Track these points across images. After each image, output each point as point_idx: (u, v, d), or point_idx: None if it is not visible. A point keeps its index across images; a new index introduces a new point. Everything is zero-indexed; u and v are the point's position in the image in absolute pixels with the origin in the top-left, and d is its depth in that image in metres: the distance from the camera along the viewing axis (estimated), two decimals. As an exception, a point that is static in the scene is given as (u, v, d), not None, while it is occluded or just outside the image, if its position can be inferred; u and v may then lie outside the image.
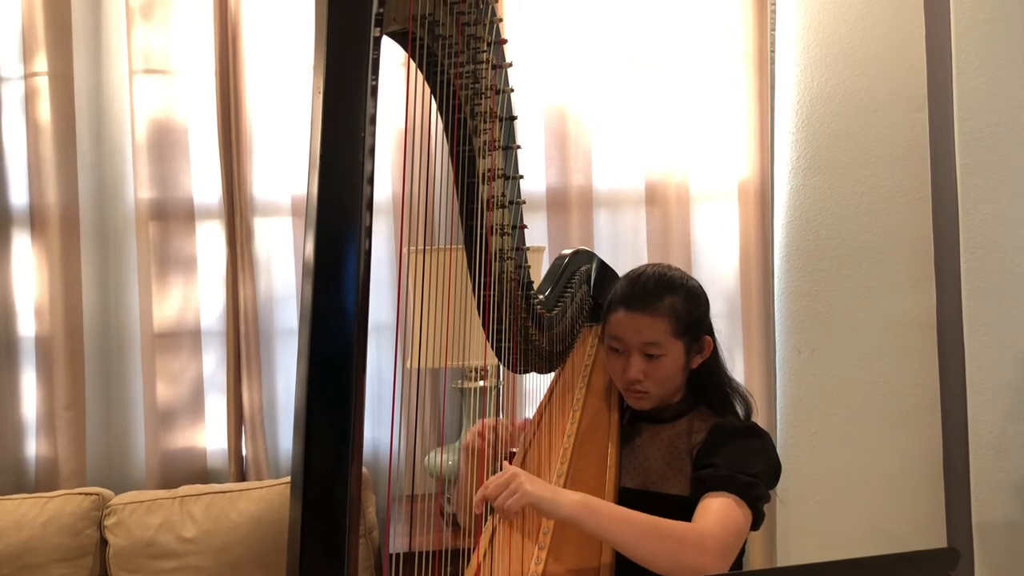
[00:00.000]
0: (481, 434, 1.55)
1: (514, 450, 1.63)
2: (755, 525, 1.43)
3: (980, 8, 2.62)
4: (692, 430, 1.54)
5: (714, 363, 1.60)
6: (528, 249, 1.55)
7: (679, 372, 1.54)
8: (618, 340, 1.53)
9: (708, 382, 1.60)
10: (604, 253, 1.97)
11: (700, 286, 1.59)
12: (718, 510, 1.37)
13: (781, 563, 2.71)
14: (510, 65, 1.33)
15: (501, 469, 1.33)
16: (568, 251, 1.83)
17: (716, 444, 1.48)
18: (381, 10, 0.90)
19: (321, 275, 0.87)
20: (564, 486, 1.48)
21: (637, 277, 1.56)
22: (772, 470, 1.48)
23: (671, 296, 1.52)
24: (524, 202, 1.45)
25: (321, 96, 0.88)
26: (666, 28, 2.66)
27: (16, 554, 2.27)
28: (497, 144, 1.33)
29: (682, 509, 1.43)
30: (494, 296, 1.42)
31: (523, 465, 1.56)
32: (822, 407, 2.76)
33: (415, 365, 2.09)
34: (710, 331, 1.59)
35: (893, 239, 2.78)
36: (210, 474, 2.63)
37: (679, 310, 1.51)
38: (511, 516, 1.29)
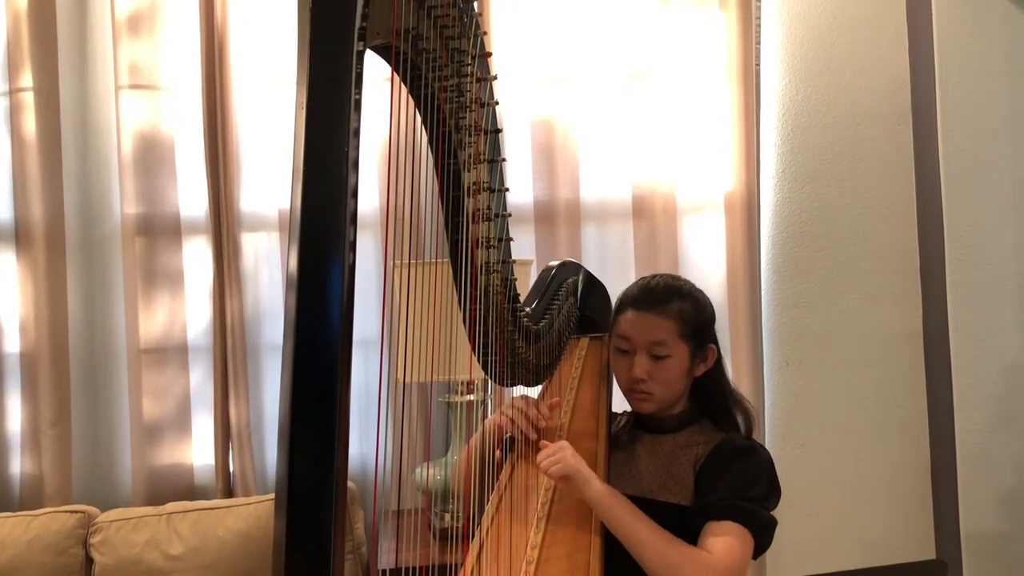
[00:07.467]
0: (512, 420, 1.59)
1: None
2: (762, 549, 1.45)
3: (963, 22, 2.65)
4: (693, 442, 1.56)
5: (718, 374, 1.62)
6: (515, 262, 1.55)
7: (682, 376, 1.56)
8: (626, 339, 1.56)
9: (711, 392, 1.61)
10: (592, 265, 1.97)
11: (707, 298, 1.62)
12: (724, 542, 1.39)
13: None
14: (495, 78, 1.33)
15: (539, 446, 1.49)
16: (555, 263, 1.83)
17: (719, 466, 1.50)
18: (364, 24, 0.90)
19: (305, 289, 0.87)
20: (552, 499, 1.49)
21: (647, 283, 1.61)
22: (775, 492, 1.50)
23: (680, 301, 1.56)
24: (510, 215, 1.45)
25: (304, 111, 0.88)
26: (652, 41, 2.67)
27: (0, 573, 2.24)
28: (482, 157, 1.34)
29: (679, 518, 1.45)
30: (480, 309, 1.42)
31: (510, 478, 1.56)
32: (810, 418, 2.77)
33: (401, 379, 2.08)
34: (715, 341, 1.61)
35: (879, 250, 2.79)
36: (197, 490, 2.61)
37: (687, 313, 1.55)
38: (553, 479, 1.46)
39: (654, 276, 1.64)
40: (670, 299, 1.55)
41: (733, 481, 1.46)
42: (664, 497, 1.52)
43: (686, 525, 1.44)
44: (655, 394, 1.55)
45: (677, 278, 1.63)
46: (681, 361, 1.55)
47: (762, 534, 1.44)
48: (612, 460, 1.59)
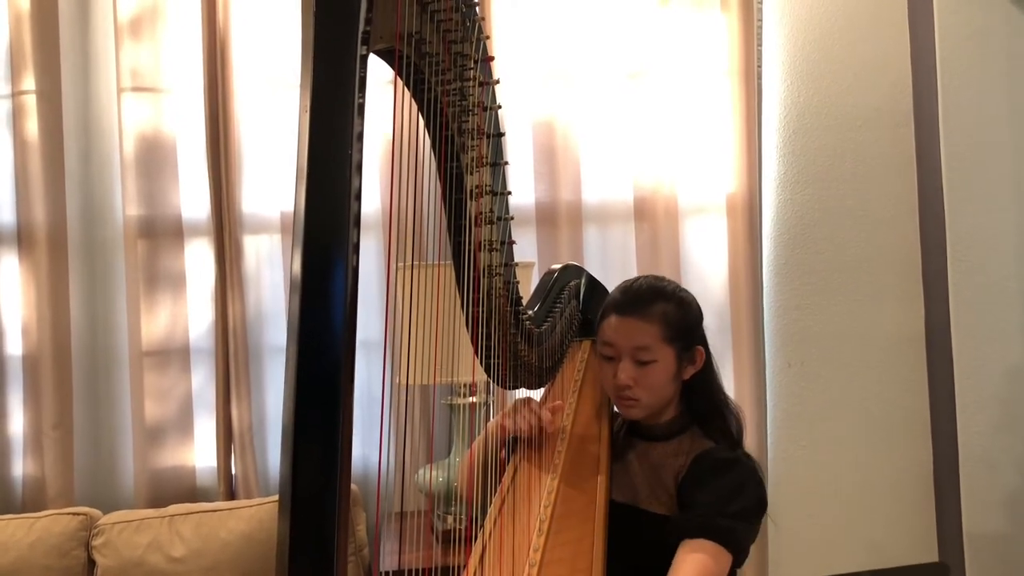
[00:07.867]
0: (515, 422, 1.56)
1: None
2: (739, 563, 1.42)
3: (964, 25, 2.65)
4: (680, 452, 1.54)
5: (708, 376, 1.59)
6: (517, 265, 1.54)
7: (670, 381, 1.53)
8: (610, 346, 1.53)
9: (701, 395, 1.58)
10: (593, 268, 1.97)
11: (693, 298, 1.59)
12: (692, 567, 1.35)
13: (773, 577, 2.71)
14: (497, 82, 1.33)
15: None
16: (557, 266, 1.83)
17: (697, 479, 1.47)
18: (368, 28, 0.90)
19: (308, 292, 0.87)
20: (555, 503, 1.48)
21: (630, 286, 1.58)
22: (756, 505, 1.46)
23: (663, 303, 1.52)
24: (512, 218, 1.45)
25: (308, 114, 0.88)
26: (654, 43, 2.68)
27: (2, 575, 2.25)
28: (485, 160, 1.34)
29: (663, 529, 1.43)
30: (483, 312, 1.42)
31: (513, 480, 1.56)
32: (812, 420, 2.77)
33: (404, 381, 2.08)
34: (703, 342, 1.58)
35: (881, 252, 2.79)
36: (199, 492, 2.61)
37: (670, 316, 1.51)
38: None
39: (637, 279, 1.60)
40: (653, 302, 1.52)
41: (712, 496, 1.42)
42: (651, 507, 1.51)
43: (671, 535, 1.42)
44: (642, 400, 1.52)
45: (660, 279, 1.59)
46: (667, 365, 1.51)
47: (739, 549, 1.39)
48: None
